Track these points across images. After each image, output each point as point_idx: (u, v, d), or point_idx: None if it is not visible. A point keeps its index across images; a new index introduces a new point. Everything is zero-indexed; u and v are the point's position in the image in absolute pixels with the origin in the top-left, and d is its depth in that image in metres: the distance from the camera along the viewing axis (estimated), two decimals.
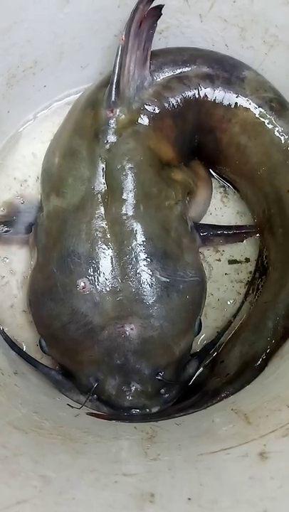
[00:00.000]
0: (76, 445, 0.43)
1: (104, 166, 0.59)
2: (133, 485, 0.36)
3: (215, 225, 0.70)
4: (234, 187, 0.73)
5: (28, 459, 0.37)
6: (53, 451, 0.41)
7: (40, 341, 0.61)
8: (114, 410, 0.58)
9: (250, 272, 0.71)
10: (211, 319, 0.69)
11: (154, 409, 0.58)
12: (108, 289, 0.56)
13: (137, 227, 0.58)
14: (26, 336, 0.67)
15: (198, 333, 0.62)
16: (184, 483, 0.37)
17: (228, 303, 0.70)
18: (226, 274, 0.72)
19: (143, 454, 0.43)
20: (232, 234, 0.70)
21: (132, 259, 0.57)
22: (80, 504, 0.33)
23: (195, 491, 0.35)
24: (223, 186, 0.73)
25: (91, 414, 0.57)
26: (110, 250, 0.57)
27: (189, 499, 0.33)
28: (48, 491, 0.33)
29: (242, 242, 0.71)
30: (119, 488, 0.35)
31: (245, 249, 0.72)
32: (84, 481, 0.36)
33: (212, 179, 0.73)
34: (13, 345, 0.64)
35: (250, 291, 0.70)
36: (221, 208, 0.73)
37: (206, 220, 0.72)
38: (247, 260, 0.72)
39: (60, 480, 0.35)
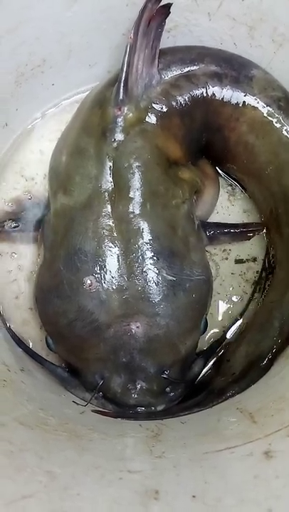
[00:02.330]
0: (81, 442, 0.43)
1: (111, 165, 0.59)
2: (138, 482, 0.36)
3: (222, 224, 0.70)
4: (241, 186, 0.73)
5: (33, 454, 0.37)
6: (59, 447, 0.41)
7: (46, 339, 0.61)
8: (120, 408, 0.58)
9: (257, 272, 0.71)
10: (217, 318, 0.69)
11: (160, 408, 0.58)
12: (114, 287, 0.56)
13: (144, 225, 0.58)
14: (33, 333, 0.67)
15: (204, 332, 0.62)
16: (188, 480, 0.37)
17: (234, 302, 0.70)
18: (232, 273, 0.71)
19: (148, 452, 0.43)
20: (239, 232, 0.70)
21: (139, 257, 0.57)
22: (85, 500, 0.33)
23: (200, 489, 0.35)
24: (231, 185, 0.73)
25: (96, 411, 0.57)
26: (117, 248, 0.57)
27: (194, 497, 0.34)
28: (53, 486, 0.33)
29: (249, 240, 0.71)
30: (124, 485, 0.35)
31: (252, 248, 0.72)
32: (89, 477, 0.36)
33: (219, 178, 0.73)
34: (20, 343, 0.64)
35: (257, 291, 0.70)
36: (228, 207, 0.73)
37: (213, 218, 0.71)
38: (254, 260, 0.72)
39: (65, 476, 0.35)
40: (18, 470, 0.34)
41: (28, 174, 0.72)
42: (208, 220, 0.71)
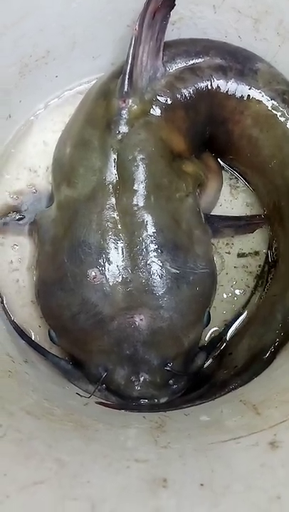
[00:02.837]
0: (87, 432, 0.44)
1: (115, 157, 0.59)
2: (145, 470, 0.36)
3: (225, 217, 0.70)
4: (244, 179, 0.73)
5: (41, 443, 0.38)
6: (65, 436, 0.41)
7: (49, 332, 0.61)
8: (123, 400, 0.58)
9: (259, 265, 0.71)
10: (220, 312, 0.69)
11: (163, 400, 0.59)
12: (118, 280, 0.56)
13: (148, 218, 0.58)
14: (35, 325, 0.67)
15: (206, 325, 0.62)
16: (195, 469, 0.37)
17: (237, 295, 0.71)
18: (234, 267, 0.72)
19: (153, 442, 0.44)
20: (242, 225, 0.70)
21: (143, 250, 0.57)
22: (94, 487, 0.33)
23: (207, 477, 0.35)
24: (234, 178, 0.73)
25: (100, 403, 0.57)
26: (121, 241, 0.57)
27: (202, 485, 0.34)
28: (63, 473, 0.34)
29: (252, 233, 0.71)
30: (132, 473, 0.36)
31: (254, 242, 0.72)
32: (97, 465, 0.36)
33: (222, 171, 0.72)
34: (23, 335, 0.64)
35: (259, 284, 0.70)
36: (231, 201, 0.73)
37: (216, 211, 0.71)
38: (256, 253, 0.72)
39: (74, 464, 0.35)
40: (28, 457, 0.35)
41: (31, 166, 0.72)
42: (211, 213, 0.71)
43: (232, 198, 0.73)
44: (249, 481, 0.35)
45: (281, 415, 0.46)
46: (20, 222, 0.69)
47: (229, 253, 0.72)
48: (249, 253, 0.72)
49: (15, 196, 0.71)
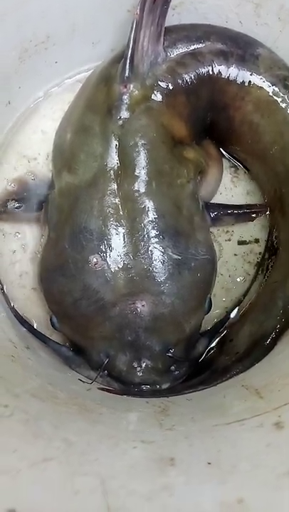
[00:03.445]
0: (92, 415, 0.44)
1: (117, 143, 0.59)
2: (152, 451, 0.36)
3: (225, 205, 0.70)
4: (245, 167, 0.73)
5: (48, 423, 0.38)
6: (70, 418, 0.41)
7: (51, 318, 0.61)
8: (125, 386, 0.59)
9: (260, 253, 0.71)
10: (220, 299, 0.69)
11: (164, 386, 0.59)
12: (120, 266, 0.56)
13: (149, 204, 0.58)
14: (37, 312, 0.67)
15: (208, 312, 0.62)
16: (201, 450, 0.37)
17: (237, 283, 0.71)
18: (235, 254, 0.72)
19: (158, 425, 0.44)
20: (242, 213, 0.69)
21: (144, 236, 0.57)
22: (102, 465, 0.33)
23: (214, 457, 0.35)
24: (234, 166, 0.73)
25: (102, 389, 0.57)
26: (122, 227, 0.57)
27: (209, 463, 0.34)
28: (71, 451, 0.34)
29: (252, 221, 0.71)
30: (139, 453, 0.36)
31: (255, 230, 0.72)
32: (104, 445, 0.36)
33: (223, 159, 0.72)
34: (24, 322, 0.64)
35: (260, 272, 0.70)
36: (231, 189, 0.73)
37: (216, 199, 0.71)
38: (256, 241, 0.72)
39: (81, 443, 0.35)
40: (36, 437, 0.35)
41: (30, 154, 0.72)
42: (212, 201, 0.70)
43: (232, 186, 0.73)
44: (256, 460, 0.35)
45: (284, 398, 0.46)
46: (20, 210, 0.69)
47: (229, 241, 0.72)
48: (249, 241, 0.72)
49: (14, 184, 0.71)
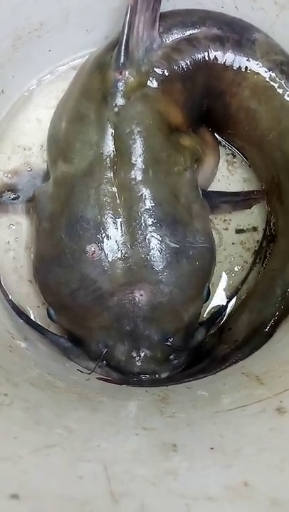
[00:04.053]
0: (92, 403, 0.43)
1: (112, 130, 0.58)
2: (154, 437, 0.36)
3: (223, 192, 0.69)
4: (242, 154, 0.72)
5: (49, 411, 0.37)
6: (71, 407, 0.41)
7: (48, 309, 0.60)
8: (124, 376, 0.58)
9: (257, 241, 0.71)
10: (218, 288, 0.69)
11: (164, 375, 0.58)
12: (117, 255, 0.56)
13: (146, 192, 0.57)
14: (34, 305, 0.67)
15: (206, 300, 0.62)
16: (204, 436, 0.37)
17: (236, 271, 0.70)
18: (232, 243, 0.71)
19: (159, 413, 0.44)
20: (240, 201, 0.69)
21: (141, 224, 0.56)
22: (105, 451, 0.33)
23: (217, 442, 0.35)
24: (230, 154, 0.73)
25: (101, 379, 0.57)
26: (119, 216, 0.56)
27: (212, 448, 0.34)
28: (73, 438, 0.33)
29: (250, 208, 0.70)
30: (142, 440, 0.35)
31: (252, 218, 0.72)
32: (106, 432, 0.36)
33: (219, 147, 0.72)
34: (21, 314, 0.63)
35: (258, 260, 0.70)
36: (228, 176, 0.72)
37: (214, 187, 0.71)
38: (254, 229, 0.72)
39: (82, 430, 0.35)
40: (37, 424, 0.34)
41: (25, 144, 0.71)
42: (209, 189, 0.70)
43: (229, 174, 0.73)
44: (260, 444, 0.35)
45: (286, 384, 0.46)
46: (16, 201, 0.68)
47: (227, 229, 0.72)
48: (247, 229, 0.72)
49: (9, 175, 0.70)
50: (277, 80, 0.62)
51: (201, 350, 0.64)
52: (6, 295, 0.65)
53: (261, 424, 0.38)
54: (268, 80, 0.62)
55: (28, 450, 0.30)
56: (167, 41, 0.61)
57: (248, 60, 0.62)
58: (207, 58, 0.62)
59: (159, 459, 0.33)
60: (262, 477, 0.31)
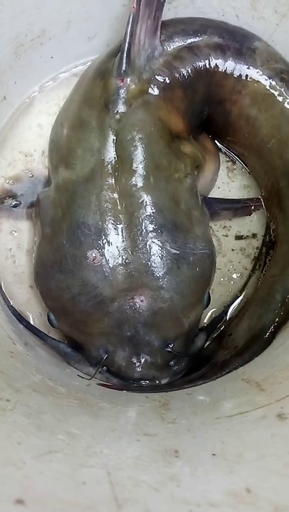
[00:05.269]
0: (93, 409, 0.43)
1: (114, 137, 0.58)
2: (156, 443, 0.36)
3: (223, 199, 0.70)
4: (242, 161, 0.73)
5: (51, 417, 0.37)
6: (73, 412, 0.41)
7: (48, 315, 0.60)
8: (124, 381, 0.58)
9: (257, 248, 0.71)
10: (218, 294, 0.69)
11: (164, 381, 0.58)
12: (118, 261, 0.56)
13: (147, 198, 0.57)
14: (34, 310, 0.67)
15: (206, 306, 0.62)
16: (205, 441, 0.37)
17: (235, 278, 0.71)
18: (232, 249, 0.72)
19: (160, 419, 0.44)
20: (240, 208, 0.70)
21: (142, 230, 0.56)
22: (108, 456, 0.33)
23: (218, 448, 0.35)
24: (231, 161, 0.73)
25: (101, 384, 0.57)
26: (120, 222, 0.57)
27: (214, 454, 0.34)
28: (75, 444, 0.34)
29: (250, 215, 0.71)
30: (143, 445, 0.36)
31: (252, 224, 0.72)
32: (108, 438, 0.36)
33: (219, 153, 0.72)
34: (21, 319, 0.63)
35: (257, 267, 0.71)
36: (228, 183, 0.73)
37: (213, 194, 0.71)
38: (254, 236, 0.72)
39: (85, 436, 0.35)
40: (40, 429, 0.34)
41: (26, 150, 0.71)
42: (209, 196, 0.70)
43: (229, 181, 0.73)
44: (261, 450, 0.35)
45: (286, 390, 0.46)
46: (16, 207, 0.68)
47: (227, 236, 0.72)
48: (247, 235, 0.72)
49: (11, 181, 0.70)
50: (278, 87, 0.63)
51: (201, 356, 0.64)
52: (6, 300, 0.65)
53: (262, 430, 0.38)
54: (268, 87, 0.63)
55: (31, 455, 0.30)
56: (169, 49, 0.62)
57: (248, 68, 0.63)
58: (208, 66, 0.63)
59: (161, 464, 0.33)
60: (264, 483, 0.31)
